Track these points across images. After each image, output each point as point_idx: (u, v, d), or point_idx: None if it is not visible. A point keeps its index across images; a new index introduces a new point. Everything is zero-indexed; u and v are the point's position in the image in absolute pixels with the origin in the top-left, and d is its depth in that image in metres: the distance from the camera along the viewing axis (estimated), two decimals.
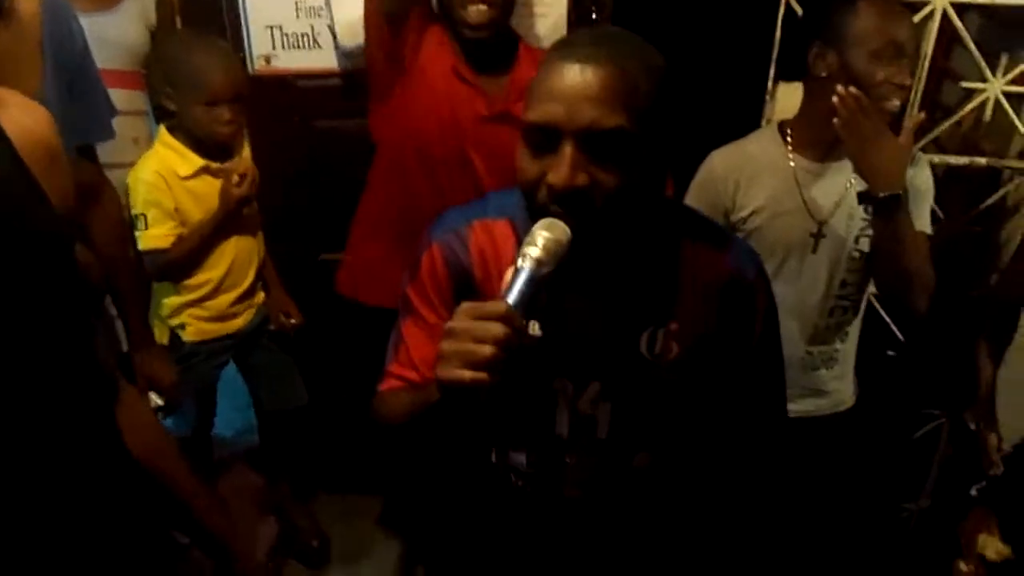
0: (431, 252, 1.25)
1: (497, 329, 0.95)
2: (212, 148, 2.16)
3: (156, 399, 1.99)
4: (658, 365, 1.24)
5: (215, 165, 2.16)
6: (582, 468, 1.32)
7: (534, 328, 1.04)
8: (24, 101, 1.05)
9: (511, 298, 0.98)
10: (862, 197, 1.73)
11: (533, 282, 1.00)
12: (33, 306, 0.98)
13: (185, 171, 2.12)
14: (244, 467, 2.79)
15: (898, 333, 2.47)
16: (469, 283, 1.23)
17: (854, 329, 2.02)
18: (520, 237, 1.16)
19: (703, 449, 1.33)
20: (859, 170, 1.69)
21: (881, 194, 1.66)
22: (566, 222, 1.05)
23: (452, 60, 2.05)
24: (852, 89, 1.64)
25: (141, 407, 1.26)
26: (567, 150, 1.04)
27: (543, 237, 1.02)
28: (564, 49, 1.08)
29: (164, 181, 2.09)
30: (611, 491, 1.34)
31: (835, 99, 1.65)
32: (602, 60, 1.05)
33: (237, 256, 2.26)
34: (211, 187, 2.16)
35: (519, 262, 1.01)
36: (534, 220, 1.06)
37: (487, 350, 0.94)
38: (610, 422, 1.28)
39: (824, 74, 1.77)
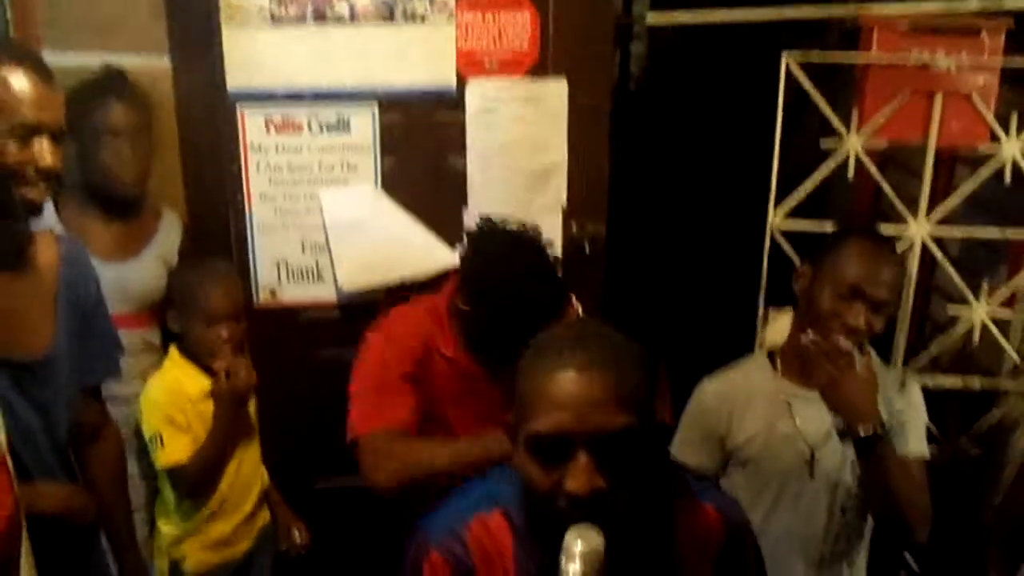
0: (431, 562, 1.21)
1: None
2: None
3: None
4: None
5: None
6: None
7: None
8: None
9: None
10: (843, 434, 1.75)
11: None
12: None
13: (194, 391, 2.14)
14: None
15: (910, 560, 2.41)
16: None
17: (861, 557, 1.98)
18: (515, 527, 1.19)
19: None
20: (832, 409, 1.72)
21: (860, 433, 1.68)
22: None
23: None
24: (811, 333, 1.73)
25: None
26: (582, 457, 1.05)
27: (580, 552, 1.03)
28: (554, 356, 1.10)
29: (173, 399, 2.11)
30: None
31: (802, 340, 1.74)
32: (598, 363, 1.08)
33: (236, 480, 2.23)
34: None
35: None
36: (550, 527, 1.08)
37: None
38: None
39: (797, 289, 1.86)
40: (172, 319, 2.18)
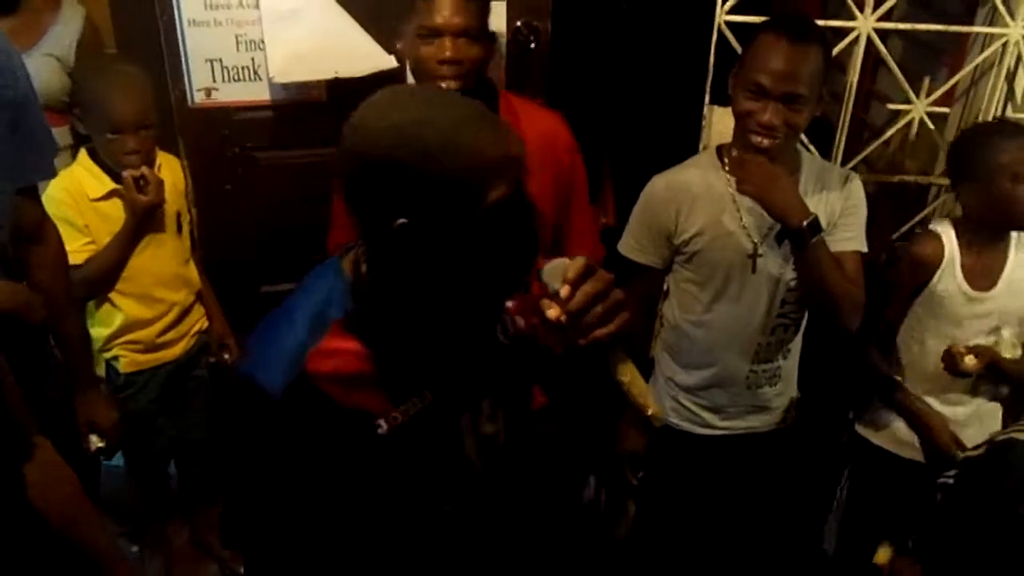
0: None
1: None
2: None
3: (97, 441, 1.93)
4: (515, 340, 1.31)
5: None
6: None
7: None
8: None
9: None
10: (780, 236, 1.79)
11: None
12: None
13: (95, 192, 2.08)
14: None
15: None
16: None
17: (795, 346, 2.07)
18: (355, 328, 1.10)
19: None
20: (768, 213, 1.76)
21: (794, 226, 1.72)
22: None
23: None
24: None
25: (55, 465, 1.24)
26: None
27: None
28: None
29: (72, 198, 2.05)
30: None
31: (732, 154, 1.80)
32: None
33: (152, 282, 2.21)
34: (121, 210, 2.11)
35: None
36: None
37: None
38: (505, 421, 1.33)
39: (729, 88, 1.83)
40: (80, 121, 2.09)
